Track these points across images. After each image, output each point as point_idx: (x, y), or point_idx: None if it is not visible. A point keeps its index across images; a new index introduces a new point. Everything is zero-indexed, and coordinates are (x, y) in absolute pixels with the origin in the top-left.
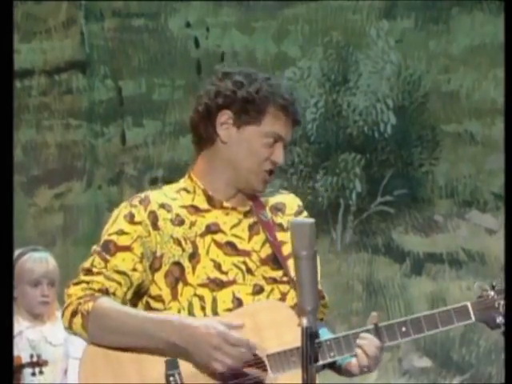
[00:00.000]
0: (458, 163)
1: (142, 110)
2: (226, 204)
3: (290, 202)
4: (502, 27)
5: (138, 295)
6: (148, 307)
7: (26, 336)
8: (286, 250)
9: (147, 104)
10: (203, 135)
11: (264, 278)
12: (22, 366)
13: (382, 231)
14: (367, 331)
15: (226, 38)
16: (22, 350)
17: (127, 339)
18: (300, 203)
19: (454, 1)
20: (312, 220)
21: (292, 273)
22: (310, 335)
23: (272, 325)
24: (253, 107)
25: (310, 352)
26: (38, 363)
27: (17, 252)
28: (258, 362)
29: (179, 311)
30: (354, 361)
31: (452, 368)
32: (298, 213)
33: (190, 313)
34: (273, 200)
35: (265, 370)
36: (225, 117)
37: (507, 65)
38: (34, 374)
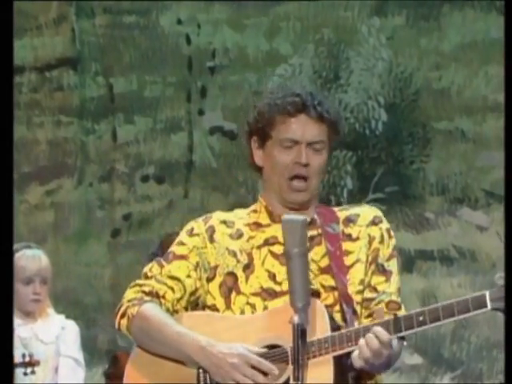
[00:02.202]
0: (448, 160)
1: (133, 107)
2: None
3: (366, 213)
4: (493, 24)
5: (196, 304)
6: None
7: (18, 334)
8: (350, 258)
9: (138, 101)
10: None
11: (323, 286)
12: (15, 366)
13: None
14: (385, 322)
15: (218, 35)
16: (13, 348)
17: (160, 348)
18: (378, 215)
19: None
20: (303, 217)
21: (348, 281)
22: (301, 332)
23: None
24: (263, 123)
25: (301, 348)
26: (31, 363)
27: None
28: (282, 353)
29: None
30: (356, 352)
31: (443, 365)
32: (372, 223)
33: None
34: (348, 212)
35: (288, 362)
36: (253, 144)
37: (507, 63)
38: (25, 374)
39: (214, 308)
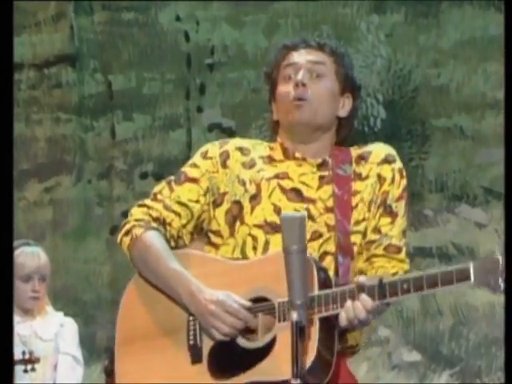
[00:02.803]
0: (447, 157)
1: (132, 104)
2: (297, 154)
3: (378, 150)
4: (492, 21)
5: (201, 229)
6: (209, 241)
7: (17, 331)
8: (356, 200)
9: (137, 98)
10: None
11: (326, 224)
12: (15, 363)
13: None
14: (372, 286)
15: (216, 32)
16: (13, 346)
17: (154, 280)
18: (392, 153)
19: None
20: (302, 214)
21: (353, 224)
22: (300, 329)
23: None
24: (271, 69)
25: (300, 346)
26: (31, 360)
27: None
28: (270, 308)
29: (234, 248)
30: (343, 313)
31: (441, 362)
32: (385, 161)
33: (243, 251)
34: (361, 150)
35: (274, 317)
36: (272, 103)
37: (507, 61)
38: (26, 371)
39: (218, 234)
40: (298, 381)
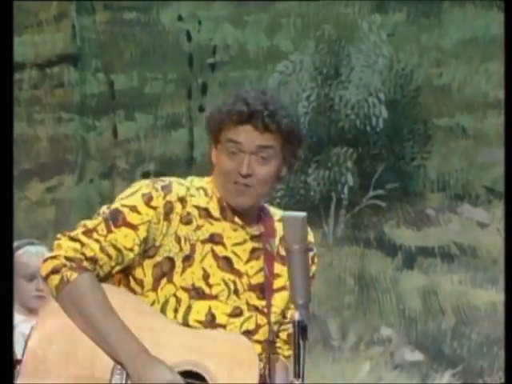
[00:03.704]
0: (449, 157)
1: (134, 104)
2: (237, 220)
3: None
4: (494, 21)
5: (122, 271)
6: (127, 283)
7: (20, 330)
8: (278, 283)
9: (139, 98)
10: None
11: (247, 303)
12: (17, 362)
13: (374, 225)
14: None
15: (218, 32)
16: (15, 344)
17: (88, 331)
18: (312, 240)
19: None
20: (304, 214)
21: (273, 308)
22: (302, 328)
23: (229, 359)
24: (213, 128)
25: (302, 345)
26: None
27: (13, 245)
28: None
29: (153, 303)
30: None
31: (444, 361)
32: (308, 249)
33: (163, 309)
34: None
35: None
36: (211, 143)
37: (507, 61)
38: None
39: (139, 282)
40: (300, 380)
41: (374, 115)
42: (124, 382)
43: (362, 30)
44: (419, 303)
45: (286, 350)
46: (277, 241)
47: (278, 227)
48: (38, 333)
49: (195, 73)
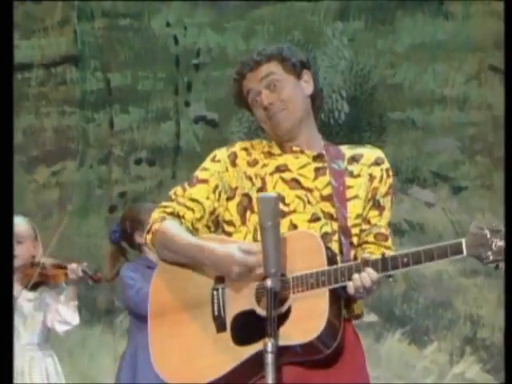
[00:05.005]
0: (401, 146)
1: (128, 99)
2: (295, 148)
3: (369, 153)
4: (440, 27)
5: (217, 222)
6: (223, 230)
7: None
8: (350, 193)
9: (132, 94)
10: None
11: (322, 211)
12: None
13: None
14: (375, 261)
15: (202, 36)
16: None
17: (178, 257)
18: (381, 156)
19: (398, 4)
20: (276, 195)
21: (348, 214)
22: (273, 294)
23: (303, 251)
24: (236, 95)
25: (274, 309)
26: (94, 279)
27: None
28: (284, 282)
29: (246, 234)
30: (350, 283)
31: (395, 322)
32: (375, 163)
33: (254, 236)
34: (353, 151)
35: (289, 291)
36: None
37: (507, 66)
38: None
39: (230, 223)
40: (272, 340)
41: (337, 109)
42: (221, 295)
43: (327, 36)
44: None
45: (376, 249)
46: (346, 161)
47: (346, 152)
48: (153, 288)
49: (181, 72)
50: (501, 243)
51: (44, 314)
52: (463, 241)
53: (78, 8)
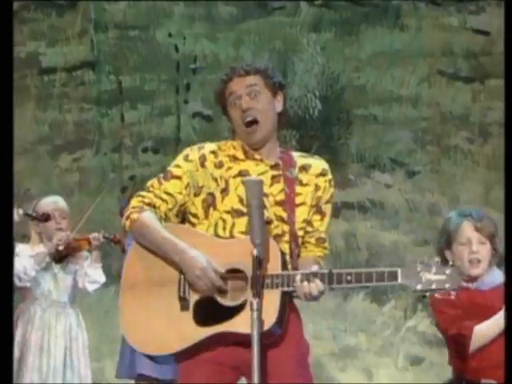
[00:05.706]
0: (365, 137)
1: (137, 98)
2: (256, 156)
3: (317, 164)
4: (396, 38)
5: (184, 213)
6: (188, 221)
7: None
8: (299, 199)
9: (140, 93)
10: None
11: (275, 214)
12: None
13: None
14: (322, 274)
15: (198, 45)
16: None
17: (150, 246)
18: (326, 167)
19: (362, 19)
20: (261, 179)
21: (296, 218)
22: (258, 262)
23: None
24: (218, 99)
25: (259, 273)
26: (115, 240)
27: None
28: (243, 278)
29: (208, 227)
30: (300, 288)
31: None
32: (320, 174)
33: (215, 230)
34: (304, 161)
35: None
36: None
37: (507, 73)
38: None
39: (195, 216)
40: (257, 299)
41: (311, 107)
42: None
43: (303, 45)
44: (342, 243)
45: (317, 251)
46: (297, 169)
47: (297, 161)
48: (128, 261)
49: (181, 75)
50: (429, 276)
51: (73, 278)
52: (399, 270)
53: (95, 21)
